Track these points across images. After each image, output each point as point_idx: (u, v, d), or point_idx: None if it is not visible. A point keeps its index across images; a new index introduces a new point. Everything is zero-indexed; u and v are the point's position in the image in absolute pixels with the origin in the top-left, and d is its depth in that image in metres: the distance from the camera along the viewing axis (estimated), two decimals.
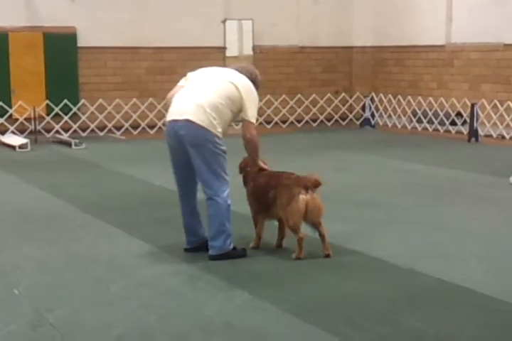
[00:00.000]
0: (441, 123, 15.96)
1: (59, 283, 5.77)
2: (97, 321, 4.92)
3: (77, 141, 14.15)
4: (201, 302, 5.29)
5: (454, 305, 5.26)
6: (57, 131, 15.30)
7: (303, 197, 6.19)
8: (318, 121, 17.54)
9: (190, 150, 6.18)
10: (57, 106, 15.54)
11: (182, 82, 6.51)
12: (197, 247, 6.52)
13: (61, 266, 6.26)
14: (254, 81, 6.38)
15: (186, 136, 6.15)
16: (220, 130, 6.16)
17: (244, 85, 6.26)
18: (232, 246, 6.34)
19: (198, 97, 6.19)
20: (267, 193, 6.34)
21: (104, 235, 7.32)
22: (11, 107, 15.54)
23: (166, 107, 6.59)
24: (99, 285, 5.70)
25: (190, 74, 6.51)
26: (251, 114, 6.22)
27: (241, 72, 6.41)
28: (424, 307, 5.19)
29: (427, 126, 16.21)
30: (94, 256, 6.53)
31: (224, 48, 17.87)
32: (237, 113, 6.28)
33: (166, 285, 5.70)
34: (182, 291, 5.55)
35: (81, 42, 16.37)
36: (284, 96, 17.26)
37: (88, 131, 15.68)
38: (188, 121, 6.13)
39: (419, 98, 16.62)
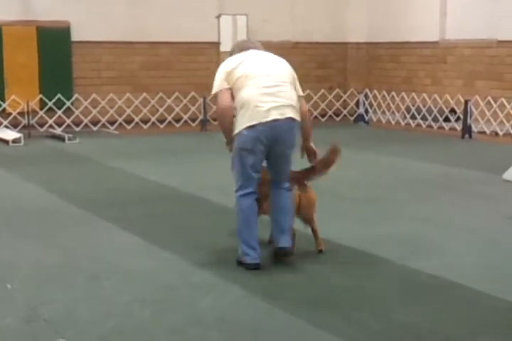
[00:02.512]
0: (435, 119, 15.98)
1: (52, 278, 5.77)
2: (91, 316, 4.92)
3: (70, 135, 14.12)
4: (195, 297, 5.29)
5: (447, 301, 5.27)
6: (50, 126, 15.27)
7: (295, 191, 6.18)
8: (312, 117, 17.48)
9: (282, 150, 5.89)
10: (50, 100, 15.50)
11: (224, 83, 5.85)
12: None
13: (55, 260, 6.24)
14: None
15: (288, 139, 5.86)
16: None
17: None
18: None
19: (282, 93, 5.83)
20: (259, 188, 6.31)
21: (98, 230, 7.32)
22: (4, 101, 15.50)
23: (222, 119, 5.91)
24: (93, 280, 5.69)
25: (235, 68, 5.85)
26: (300, 88, 6.13)
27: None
28: (417, 303, 5.20)
29: (421, 122, 16.23)
30: (87, 251, 6.53)
31: (218, 43, 17.86)
32: None
33: (160, 280, 5.70)
34: (176, 286, 5.55)
35: (75, 36, 16.33)
36: None
37: (82, 125, 15.65)
38: (291, 119, 5.83)
39: (413, 94, 16.63)
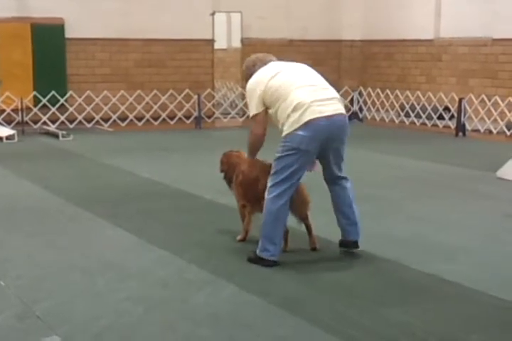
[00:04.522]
0: (429, 117, 16.00)
1: (46, 275, 5.76)
2: (84, 313, 4.92)
3: (64, 132, 14.10)
4: (188, 293, 5.29)
5: (441, 298, 5.28)
6: (44, 123, 15.25)
7: None
8: None
9: (336, 147, 5.92)
10: (44, 97, 15.49)
11: (260, 104, 5.86)
12: None
13: (48, 257, 6.24)
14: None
15: (342, 136, 5.89)
16: None
17: None
18: None
19: (328, 91, 5.95)
20: (255, 186, 6.30)
21: (92, 227, 7.31)
22: None
23: (254, 143, 6.00)
24: (87, 277, 5.69)
25: (273, 76, 5.86)
26: None
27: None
28: (411, 301, 5.20)
29: (415, 120, 16.26)
30: (81, 248, 6.52)
31: (212, 41, 17.85)
32: None
33: (154, 276, 5.70)
34: (169, 283, 5.55)
35: (69, 33, 16.32)
36: None
37: (76, 122, 15.63)
38: (343, 115, 5.91)
39: (407, 92, 16.65)
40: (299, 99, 5.74)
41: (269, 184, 5.88)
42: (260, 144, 6.03)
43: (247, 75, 6.11)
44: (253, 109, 5.92)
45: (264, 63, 6.07)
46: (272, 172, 5.86)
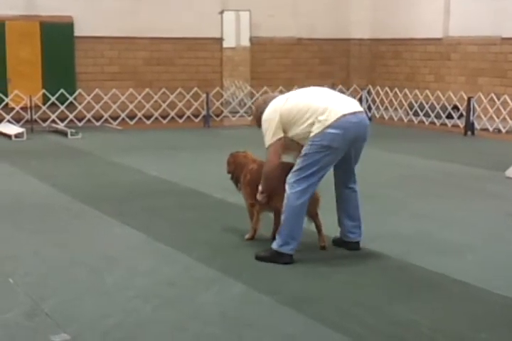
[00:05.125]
0: (438, 116, 15.97)
1: (53, 272, 5.77)
2: (93, 311, 4.93)
3: (73, 130, 14.13)
4: (196, 292, 5.29)
5: (448, 297, 5.27)
6: (53, 121, 15.28)
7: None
8: None
9: (359, 147, 6.11)
10: (53, 95, 15.52)
11: (278, 130, 5.93)
12: None
13: (56, 255, 6.26)
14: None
15: (366, 136, 6.09)
16: None
17: None
18: None
19: (341, 94, 6.17)
20: (270, 183, 6.27)
21: (99, 225, 7.33)
22: (7, 96, 15.52)
23: (269, 174, 6.02)
24: (95, 275, 5.70)
25: (285, 102, 5.99)
26: None
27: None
28: (418, 300, 5.20)
29: (424, 119, 16.23)
30: (89, 246, 6.53)
31: (221, 39, 17.85)
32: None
33: (162, 275, 5.71)
34: (177, 281, 5.55)
35: (78, 31, 16.37)
36: (280, 87, 17.22)
37: (84, 120, 15.66)
38: (363, 113, 6.09)
39: (416, 91, 16.62)
40: (321, 105, 5.88)
41: (291, 179, 5.92)
42: (275, 173, 6.06)
43: (259, 114, 6.18)
44: (270, 138, 5.98)
45: (273, 98, 6.20)
46: (296, 168, 5.93)
